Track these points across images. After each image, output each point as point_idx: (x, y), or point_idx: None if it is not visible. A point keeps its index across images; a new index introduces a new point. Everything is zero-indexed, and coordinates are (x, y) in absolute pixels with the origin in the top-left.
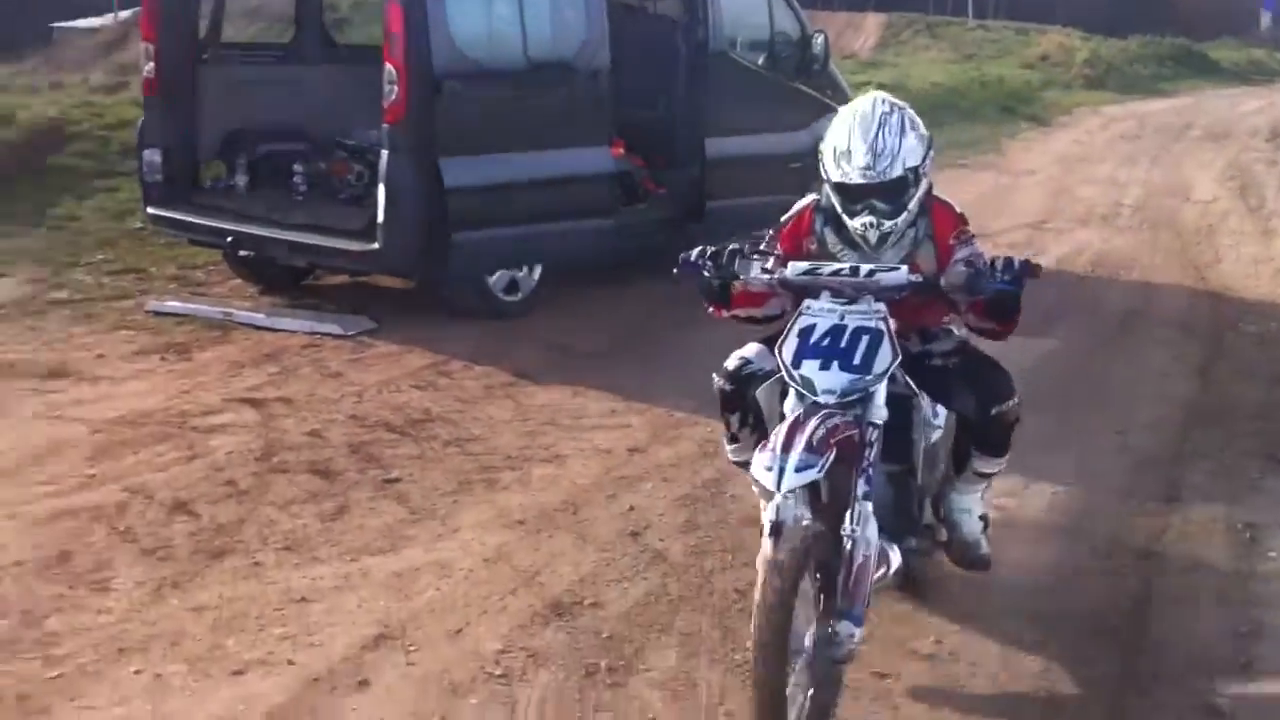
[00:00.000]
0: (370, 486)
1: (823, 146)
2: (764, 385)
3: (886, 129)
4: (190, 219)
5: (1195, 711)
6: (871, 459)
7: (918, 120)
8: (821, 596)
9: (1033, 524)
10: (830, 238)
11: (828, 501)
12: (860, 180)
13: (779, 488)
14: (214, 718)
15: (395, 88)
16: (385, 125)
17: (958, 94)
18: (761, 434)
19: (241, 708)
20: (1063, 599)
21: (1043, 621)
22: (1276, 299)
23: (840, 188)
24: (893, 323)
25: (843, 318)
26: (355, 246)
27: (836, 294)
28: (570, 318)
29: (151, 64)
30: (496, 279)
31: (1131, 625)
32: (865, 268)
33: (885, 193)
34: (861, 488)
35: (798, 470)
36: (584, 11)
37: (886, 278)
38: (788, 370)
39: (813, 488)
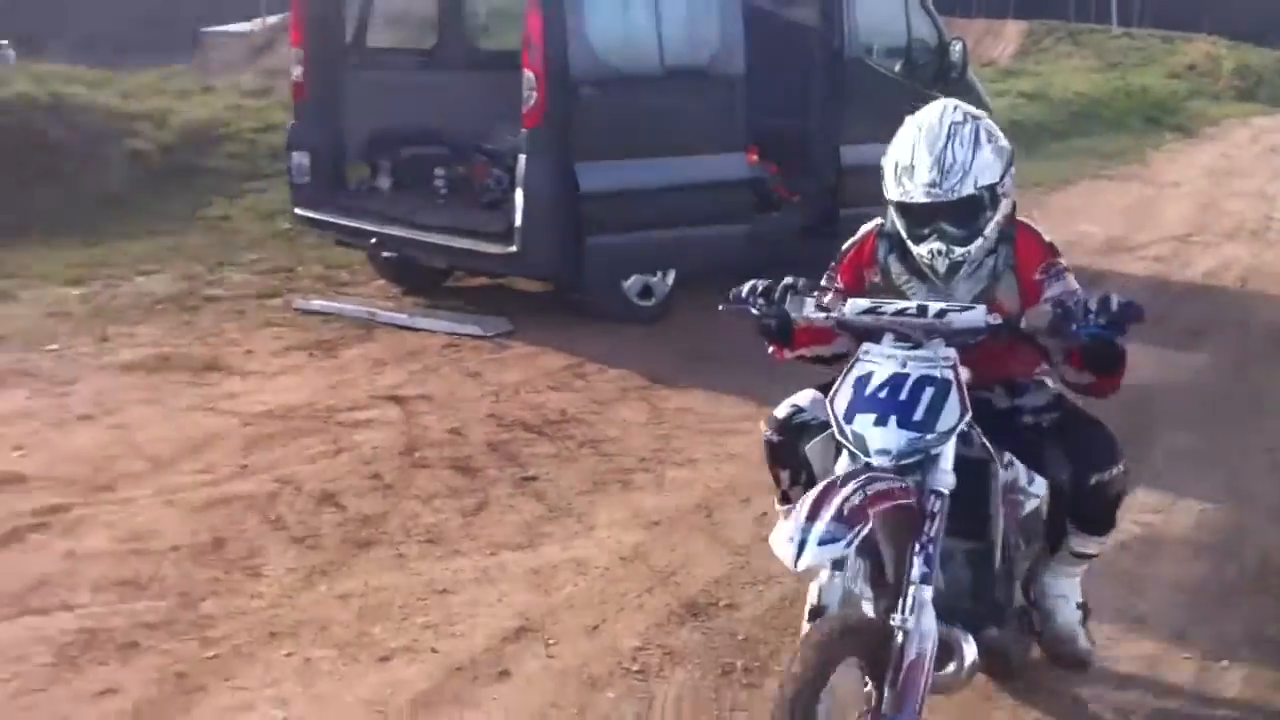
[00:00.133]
0: (509, 484)
1: (884, 161)
2: (816, 440)
3: (957, 141)
4: (336, 220)
5: None
6: (933, 534)
7: (997, 132)
8: (872, 690)
9: (1180, 540)
10: (895, 267)
11: (894, 581)
12: (924, 199)
13: (796, 564)
14: (362, 701)
15: (534, 93)
16: (524, 130)
17: (1101, 103)
18: None
19: (389, 692)
20: (1211, 617)
21: (1191, 640)
22: None
23: (904, 209)
24: (965, 373)
25: (905, 365)
26: (494, 249)
27: (901, 337)
28: (703, 322)
29: (300, 69)
30: (631, 284)
31: None
32: (934, 307)
33: (956, 215)
34: (918, 569)
35: (821, 544)
36: (719, 18)
37: (959, 319)
38: (839, 425)
39: (876, 560)
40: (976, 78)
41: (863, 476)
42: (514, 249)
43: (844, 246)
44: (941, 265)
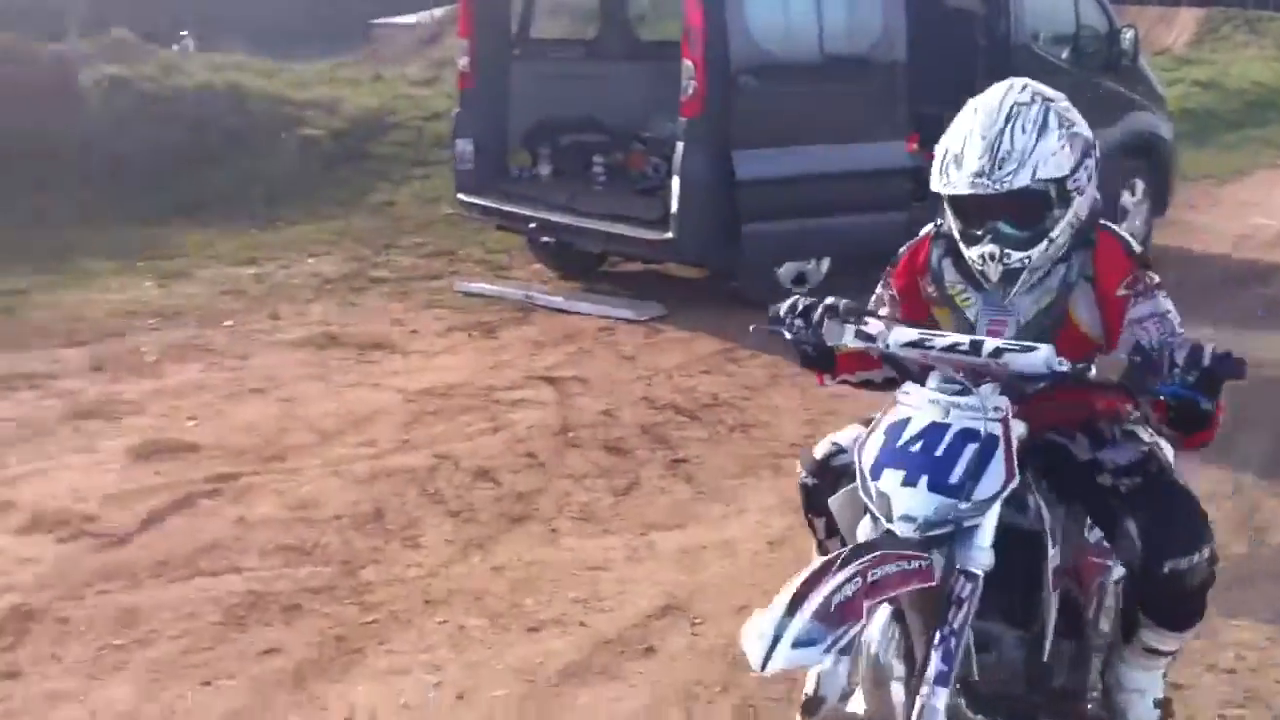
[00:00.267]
0: (659, 465)
1: (936, 148)
2: (842, 491)
3: (1017, 125)
4: (497, 206)
5: None
6: (958, 625)
7: (1074, 118)
8: None
9: None
10: (949, 274)
11: (921, 662)
12: (967, 190)
13: (763, 668)
14: (512, 669)
15: (693, 82)
16: (682, 119)
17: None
18: None
19: (538, 662)
20: None
21: None
22: None
23: (954, 205)
24: (1020, 427)
25: (947, 413)
26: (650, 235)
27: (951, 378)
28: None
29: (467, 59)
30: (785, 270)
31: None
32: (990, 344)
33: (1014, 212)
34: (935, 666)
35: (796, 646)
36: (881, 5)
37: (1018, 361)
38: (863, 479)
39: (905, 628)
40: (1149, 66)
41: (868, 556)
42: (670, 235)
43: (900, 249)
44: (994, 272)
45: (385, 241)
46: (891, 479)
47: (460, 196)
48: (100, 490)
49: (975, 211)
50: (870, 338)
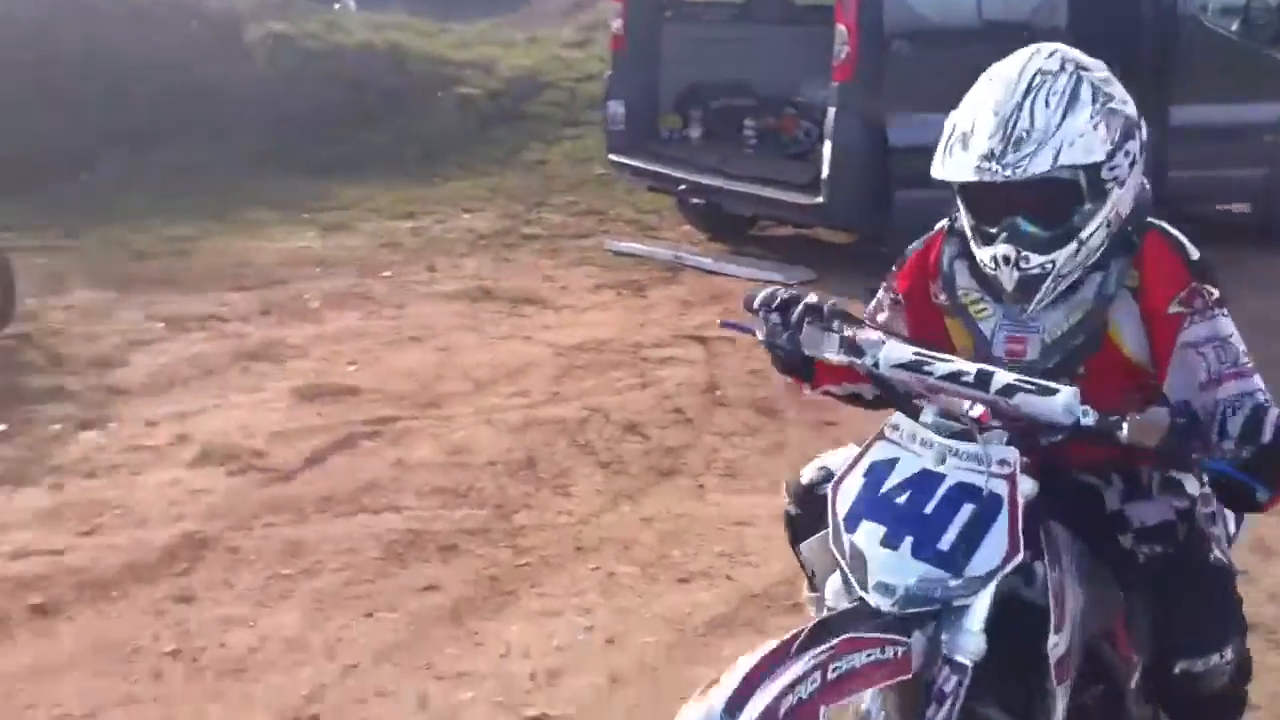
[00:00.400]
0: (806, 427)
1: (946, 123)
2: (815, 537)
3: (1039, 98)
4: (647, 167)
5: None
6: None
7: (1115, 91)
8: None
9: None
10: (962, 278)
11: None
12: (971, 177)
13: None
14: (661, 618)
15: (846, 47)
16: (834, 84)
17: None
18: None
19: (686, 611)
20: None
21: None
22: None
23: (964, 195)
24: (1029, 485)
25: (943, 459)
26: (800, 200)
27: (950, 413)
28: None
29: (620, 22)
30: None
31: None
32: (1000, 378)
33: (1037, 205)
34: None
35: None
36: None
37: (1032, 404)
38: (836, 530)
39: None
40: None
41: (832, 642)
42: (820, 200)
43: (908, 248)
44: (1009, 278)
45: (537, 199)
46: (870, 535)
47: (611, 157)
48: (267, 428)
49: (988, 204)
50: (858, 351)
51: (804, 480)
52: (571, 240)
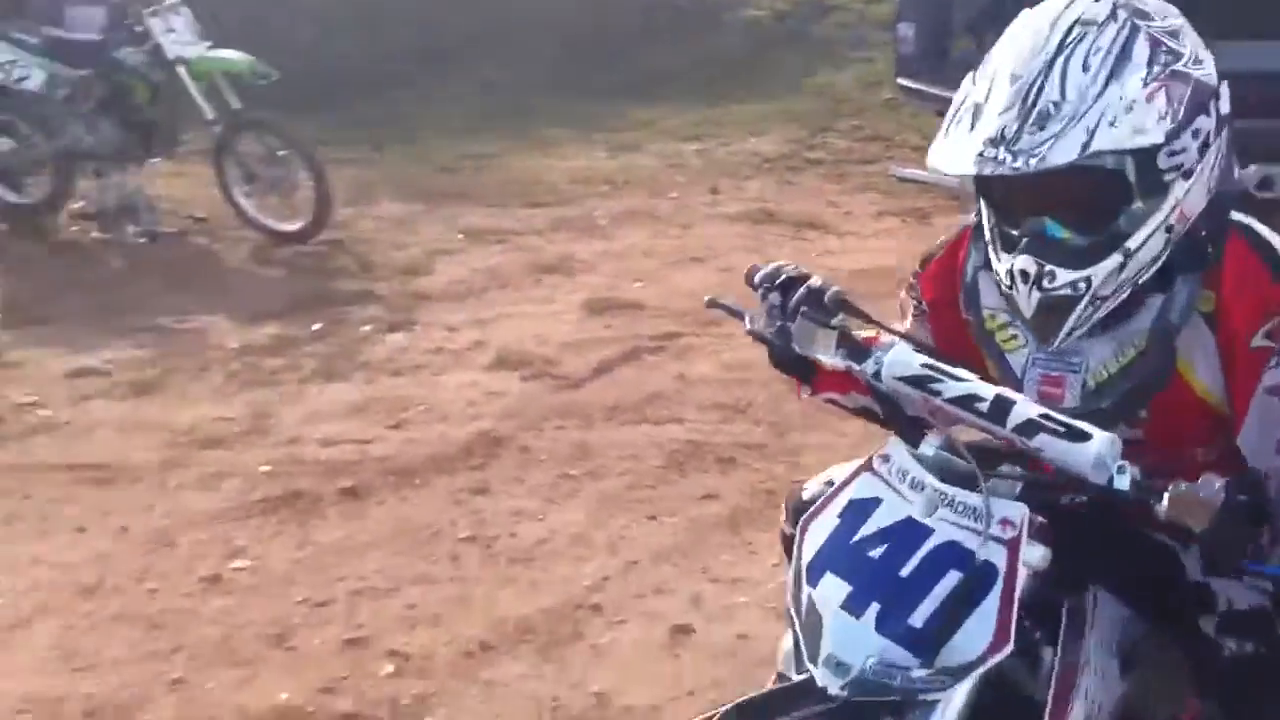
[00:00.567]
0: None
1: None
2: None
3: (1073, 57)
4: (937, 91)
5: None
6: None
7: (1187, 46)
8: None
9: None
10: (989, 296)
11: None
12: (970, 169)
13: None
14: None
15: None
16: None
17: None
18: None
19: None
20: None
21: None
22: None
23: (979, 186)
24: (1037, 553)
25: (933, 509)
26: None
27: (954, 446)
28: None
29: None
30: (1250, 172)
31: None
32: (1022, 409)
33: (1070, 203)
34: None
35: None
36: None
37: (1056, 450)
38: (796, 578)
39: None
40: None
41: None
42: None
43: (939, 240)
44: (1028, 301)
45: (822, 124)
46: (831, 593)
47: (900, 81)
48: (558, 338)
49: (1009, 199)
50: (859, 353)
51: (805, 496)
52: (856, 165)
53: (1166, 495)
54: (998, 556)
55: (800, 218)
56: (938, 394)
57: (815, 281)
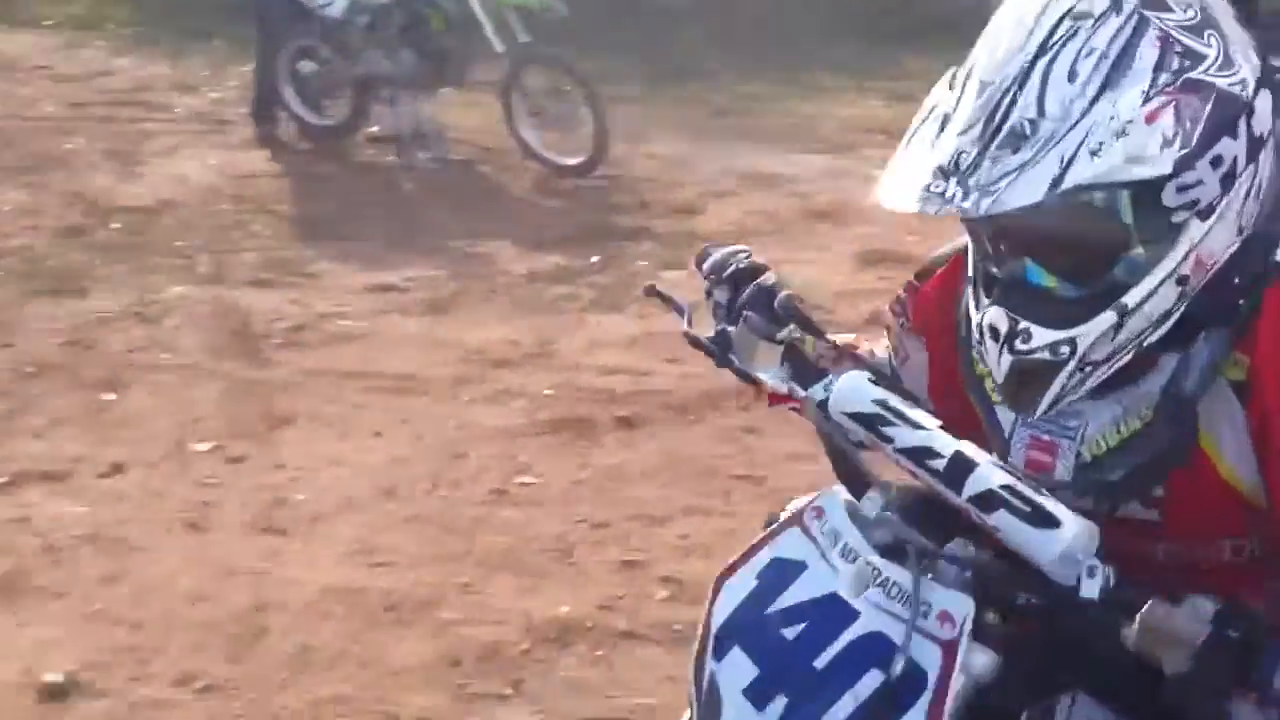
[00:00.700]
0: None
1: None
2: None
3: (1059, 59)
4: None
5: None
6: None
7: (1207, 46)
8: None
9: None
10: (978, 338)
11: None
12: (911, 207)
13: None
14: None
15: None
16: None
17: None
18: None
19: None
20: None
21: None
22: None
23: (968, 221)
24: (982, 661)
25: (864, 586)
26: None
27: (909, 510)
28: None
29: None
30: None
31: None
32: (983, 474)
33: (1053, 243)
34: None
35: None
36: None
37: (1017, 533)
38: (702, 644)
39: None
40: None
41: None
42: None
43: (933, 255)
44: (998, 363)
45: None
46: (734, 674)
47: None
48: (832, 286)
49: (988, 233)
50: (807, 375)
51: (783, 518)
52: None
53: (1139, 618)
54: (930, 659)
55: None
56: (889, 440)
57: (768, 279)
